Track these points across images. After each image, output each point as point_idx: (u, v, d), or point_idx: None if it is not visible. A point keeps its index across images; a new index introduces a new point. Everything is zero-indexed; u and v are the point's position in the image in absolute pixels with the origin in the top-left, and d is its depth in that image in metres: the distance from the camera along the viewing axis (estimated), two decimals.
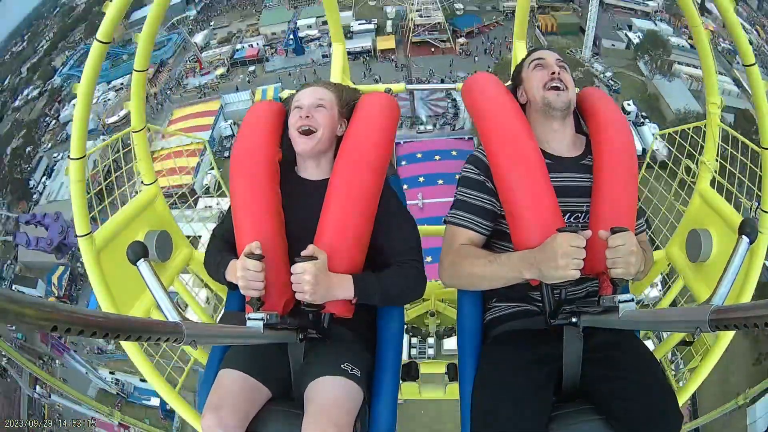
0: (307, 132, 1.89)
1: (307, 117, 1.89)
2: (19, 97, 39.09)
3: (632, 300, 1.51)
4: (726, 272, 1.43)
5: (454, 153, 27.74)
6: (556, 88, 1.87)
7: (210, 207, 25.29)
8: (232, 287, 1.81)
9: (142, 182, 2.62)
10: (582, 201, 1.83)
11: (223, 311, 2.54)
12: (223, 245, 1.93)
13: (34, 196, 32.60)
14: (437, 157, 27.63)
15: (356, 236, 1.81)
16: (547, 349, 1.71)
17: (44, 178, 33.81)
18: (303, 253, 1.69)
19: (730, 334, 2.19)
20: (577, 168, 1.88)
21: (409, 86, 3.77)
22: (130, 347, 2.21)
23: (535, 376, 1.66)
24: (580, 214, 1.83)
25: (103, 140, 2.60)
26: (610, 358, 1.67)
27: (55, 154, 34.88)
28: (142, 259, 1.42)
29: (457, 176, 1.97)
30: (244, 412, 1.64)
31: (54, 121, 37.42)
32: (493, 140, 1.86)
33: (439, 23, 40.33)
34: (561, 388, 1.72)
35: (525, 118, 1.89)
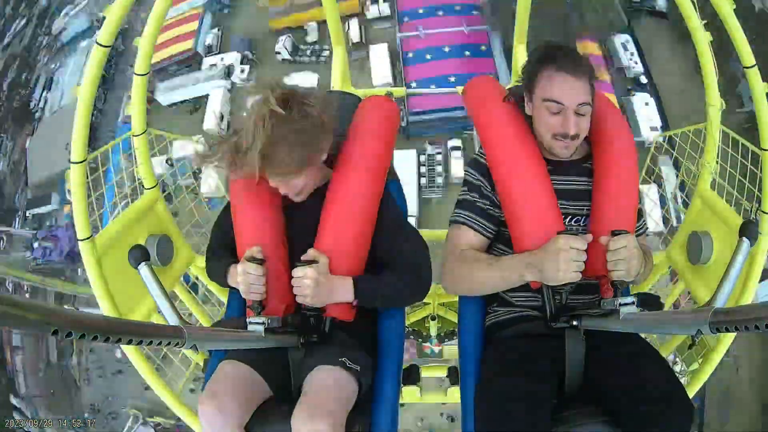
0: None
1: (296, 195, 1.78)
2: (8, 34, 36.07)
3: (633, 302, 1.51)
4: (726, 274, 1.43)
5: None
6: (566, 138, 1.74)
7: (215, 65, 26.62)
8: (235, 290, 1.81)
9: (142, 186, 2.62)
10: (583, 204, 1.83)
11: (223, 315, 2.54)
12: (224, 250, 1.94)
13: (37, 114, 31.49)
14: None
15: (357, 240, 1.81)
16: (549, 353, 1.71)
17: (44, 92, 32.21)
18: (303, 257, 1.70)
19: (730, 336, 2.18)
20: (577, 171, 1.87)
21: (409, 90, 3.77)
22: (131, 351, 2.21)
23: (538, 378, 1.66)
24: (581, 217, 1.83)
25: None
26: (613, 356, 1.67)
27: (53, 65, 33.50)
28: (144, 263, 1.43)
29: None
30: (244, 402, 1.62)
31: (46, 38, 34.89)
32: (494, 143, 1.86)
33: None
34: (563, 391, 1.72)
35: (525, 121, 1.88)
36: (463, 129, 24.35)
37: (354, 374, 1.70)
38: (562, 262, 1.55)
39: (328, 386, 1.63)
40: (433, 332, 4.30)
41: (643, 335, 1.95)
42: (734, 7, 1.96)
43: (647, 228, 2.05)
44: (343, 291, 1.73)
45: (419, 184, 23.75)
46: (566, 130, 1.71)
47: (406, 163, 22.98)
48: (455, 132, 24.43)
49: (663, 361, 1.72)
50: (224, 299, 2.74)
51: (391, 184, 2.08)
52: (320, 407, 1.55)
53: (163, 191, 2.70)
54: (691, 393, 2.22)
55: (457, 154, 24.00)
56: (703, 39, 2.22)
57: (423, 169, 24.22)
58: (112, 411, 21.86)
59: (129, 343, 0.94)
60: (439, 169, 24.03)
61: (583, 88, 1.70)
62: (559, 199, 1.77)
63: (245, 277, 1.69)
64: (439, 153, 24.45)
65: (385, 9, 30.35)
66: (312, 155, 1.68)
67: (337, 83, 3.86)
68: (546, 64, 1.72)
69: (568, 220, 1.80)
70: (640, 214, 1.92)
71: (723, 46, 2.32)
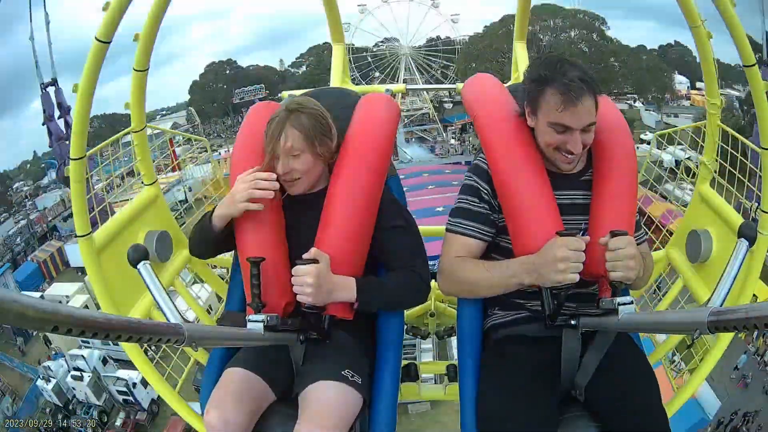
0: (290, 180, 1.84)
1: (286, 173, 1.81)
2: None
3: (631, 303, 1.51)
4: (725, 274, 1.43)
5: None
6: (570, 155, 1.72)
7: None
8: (234, 286, 1.80)
9: (142, 182, 2.62)
10: (581, 218, 1.81)
11: (222, 311, 2.54)
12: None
13: None
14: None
15: (357, 238, 1.80)
16: (547, 355, 1.71)
17: None
18: (305, 256, 1.69)
19: (729, 336, 2.19)
20: (576, 185, 1.85)
21: (409, 87, 3.76)
22: (130, 348, 2.21)
23: (538, 378, 1.67)
24: (578, 232, 1.81)
25: None
26: (607, 368, 1.68)
27: None
28: (143, 262, 1.42)
29: None
30: (248, 410, 1.62)
31: None
32: (493, 144, 1.85)
33: (426, 114, 39.89)
34: (558, 394, 1.72)
35: (525, 123, 1.87)
36: None
37: (357, 387, 1.70)
38: (560, 264, 1.55)
39: (330, 401, 1.63)
40: (432, 330, 4.30)
41: (640, 334, 1.95)
42: (735, 5, 1.95)
43: (646, 237, 2.05)
44: (345, 291, 1.73)
45: None
46: (572, 150, 1.69)
47: None
48: None
49: (651, 374, 1.73)
50: (223, 295, 2.74)
51: (391, 181, 2.07)
52: (323, 424, 1.55)
53: None
54: (690, 392, 2.23)
55: None
56: (704, 36, 2.21)
57: None
58: None
59: (128, 340, 0.94)
60: None
61: (588, 110, 1.65)
62: (559, 215, 1.76)
63: (251, 183, 1.75)
64: None
65: None
66: (317, 138, 1.81)
67: (336, 80, 3.85)
68: (550, 85, 1.65)
69: None
70: (639, 225, 1.92)
71: None
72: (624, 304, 1.51)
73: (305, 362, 1.78)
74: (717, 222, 2.40)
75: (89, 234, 2.10)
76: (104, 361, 20.10)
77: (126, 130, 2.50)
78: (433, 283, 3.44)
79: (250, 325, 1.61)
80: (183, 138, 3.56)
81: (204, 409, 1.65)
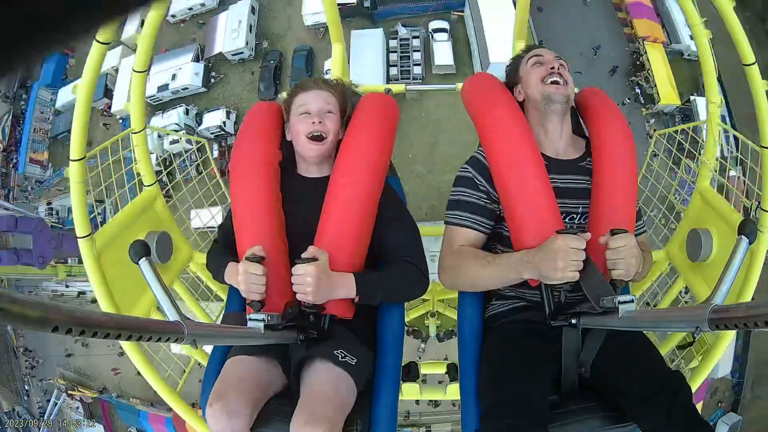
0: (319, 138, 1.89)
1: (319, 123, 1.89)
2: None
3: (632, 301, 1.51)
4: (726, 272, 1.43)
5: None
6: (556, 83, 1.86)
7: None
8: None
9: (141, 183, 2.62)
10: (578, 203, 1.83)
11: (223, 312, 2.54)
12: (224, 247, 1.93)
13: None
14: None
15: (357, 235, 1.80)
16: (547, 347, 1.71)
17: None
18: (304, 254, 1.69)
19: (730, 334, 2.19)
20: (575, 170, 1.87)
21: (409, 87, 3.76)
22: (130, 349, 2.21)
23: (538, 372, 1.66)
24: (575, 215, 1.83)
25: None
26: (606, 345, 1.68)
27: None
28: (144, 258, 1.42)
29: None
30: (251, 398, 1.61)
31: None
32: (492, 140, 1.86)
33: None
34: (560, 386, 1.72)
35: (524, 117, 1.88)
36: (447, 8, 20.18)
37: (349, 370, 1.69)
38: (561, 261, 1.55)
39: (325, 390, 1.62)
40: (432, 330, 4.30)
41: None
42: (734, 5, 1.96)
43: (646, 228, 2.06)
44: (345, 287, 1.73)
45: (387, 73, 19.68)
46: (551, 65, 1.90)
47: (371, 45, 19.38)
48: (437, 13, 20.33)
49: (652, 345, 1.74)
50: (224, 296, 2.74)
51: (391, 180, 2.08)
52: (318, 413, 1.54)
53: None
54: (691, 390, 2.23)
55: (443, 36, 19.66)
56: (703, 36, 2.21)
57: (393, 57, 20.09)
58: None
59: (129, 338, 0.94)
60: (417, 56, 19.88)
61: (559, 55, 1.98)
62: (556, 198, 1.77)
63: (246, 276, 1.68)
64: (416, 37, 20.07)
65: None
66: (344, 96, 2.01)
67: None
68: (527, 50, 2.04)
69: (563, 218, 1.81)
70: (639, 215, 1.93)
71: None
72: (624, 302, 1.51)
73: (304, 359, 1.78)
74: (717, 221, 2.40)
75: (90, 235, 2.10)
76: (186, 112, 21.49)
77: (125, 131, 2.50)
78: (433, 283, 3.46)
79: (250, 324, 1.60)
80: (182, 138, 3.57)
81: (205, 404, 1.64)
